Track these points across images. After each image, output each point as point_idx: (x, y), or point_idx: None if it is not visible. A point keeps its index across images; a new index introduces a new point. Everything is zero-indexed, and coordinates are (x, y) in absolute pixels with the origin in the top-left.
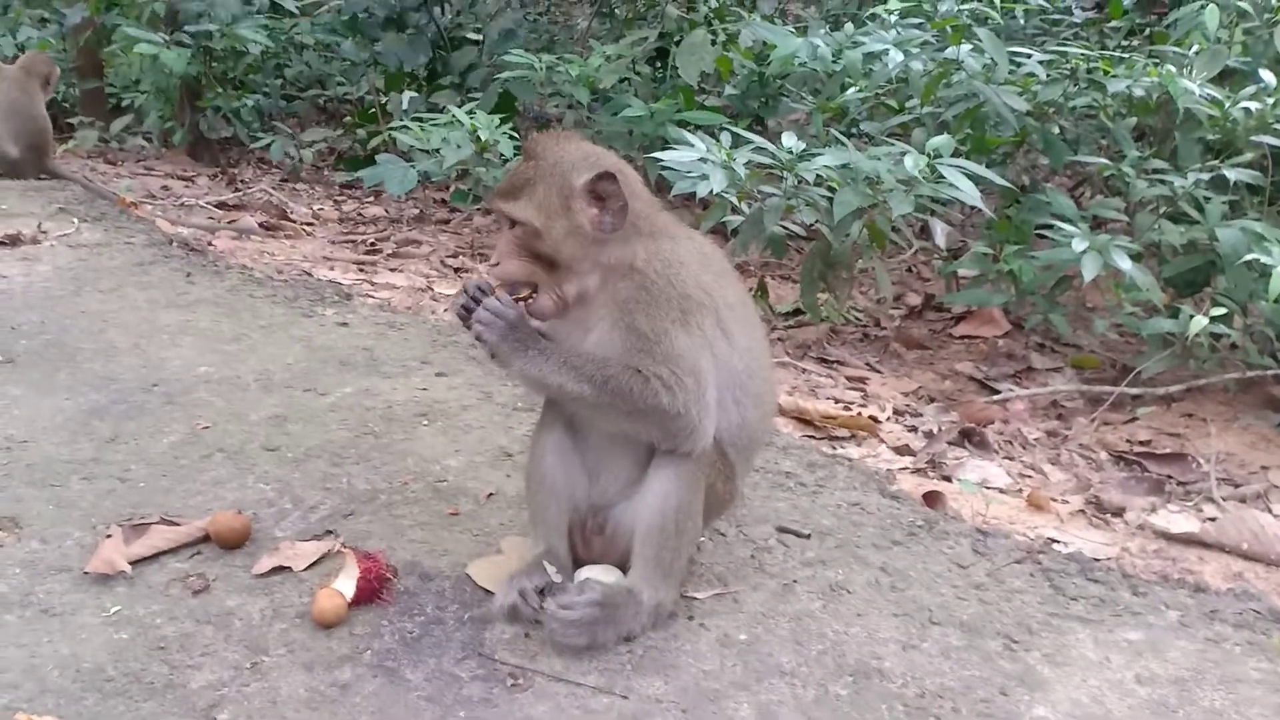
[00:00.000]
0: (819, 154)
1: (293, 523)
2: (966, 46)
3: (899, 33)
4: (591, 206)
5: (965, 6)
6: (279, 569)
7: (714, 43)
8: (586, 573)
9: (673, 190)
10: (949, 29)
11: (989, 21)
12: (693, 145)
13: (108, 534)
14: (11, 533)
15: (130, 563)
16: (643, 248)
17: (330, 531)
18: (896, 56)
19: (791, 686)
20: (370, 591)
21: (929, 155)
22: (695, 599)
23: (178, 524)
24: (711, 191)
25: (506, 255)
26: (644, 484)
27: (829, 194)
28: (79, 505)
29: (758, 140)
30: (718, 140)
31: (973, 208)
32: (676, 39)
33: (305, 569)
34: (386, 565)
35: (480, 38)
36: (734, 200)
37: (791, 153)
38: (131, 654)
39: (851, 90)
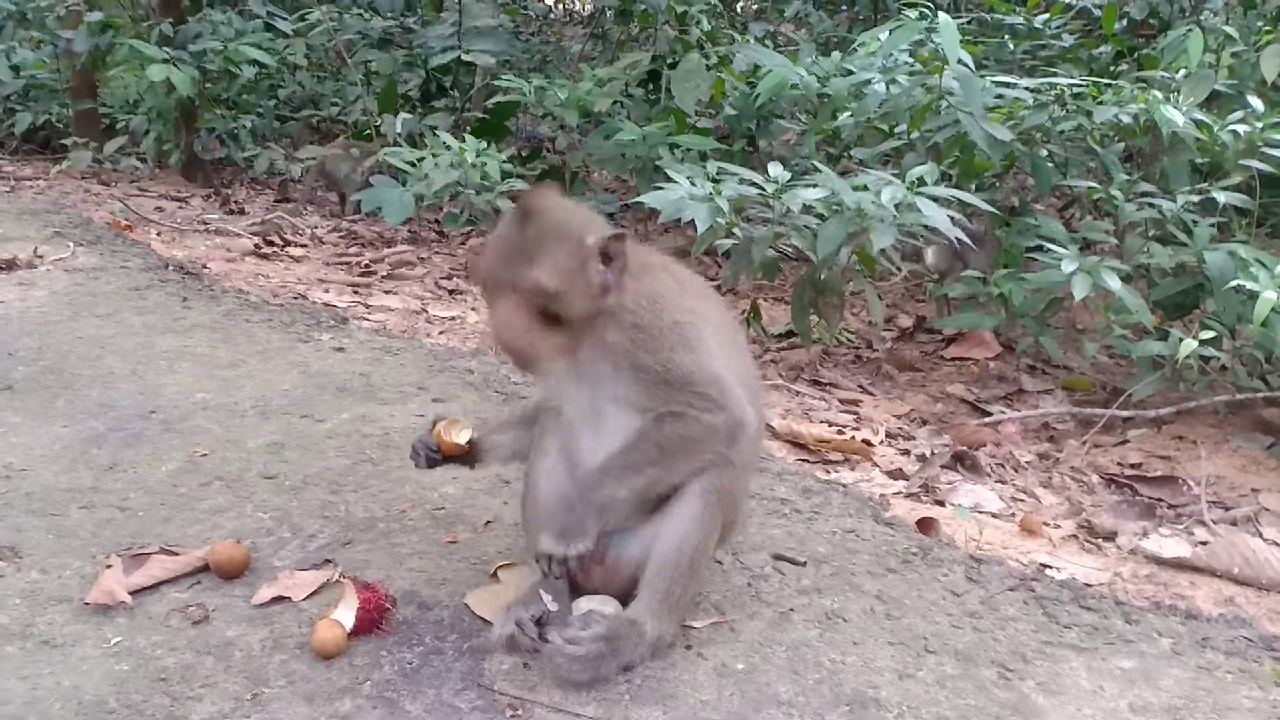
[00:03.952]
0: (806, 184)
1: (291, 552)
2: (951, 74)
3: (887, 59)
4: (601, 265)
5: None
6: (278, 599)
7: (708, 67)
8: (585, 604)
9: (661, 216)
10: (940, 52)
11: (980, 45)
12: (680, 179)
13: (107, 564)
14: (11, 562)
15: (130, 593)
16: (629, 288)
17: (329, 560)
18: (879, 87)
19: (789, 717)
20: (369, 622)
21: (912, 185)
22: (693, 628)
23: (177, 553)
24: (698, 229)
25: (508, 324)
26: (665, 517)
27: (818, 219)
28: (78, 534)
29: (743, 172)
30: (705, 168)
31: (968, 230)
32: (669, 62)
33: (304, 599)
34: (385, 595)
35: (472, 60)
36: (724, 225)
37: (777, 183)
38: (133, 685)
39: (844, 116)
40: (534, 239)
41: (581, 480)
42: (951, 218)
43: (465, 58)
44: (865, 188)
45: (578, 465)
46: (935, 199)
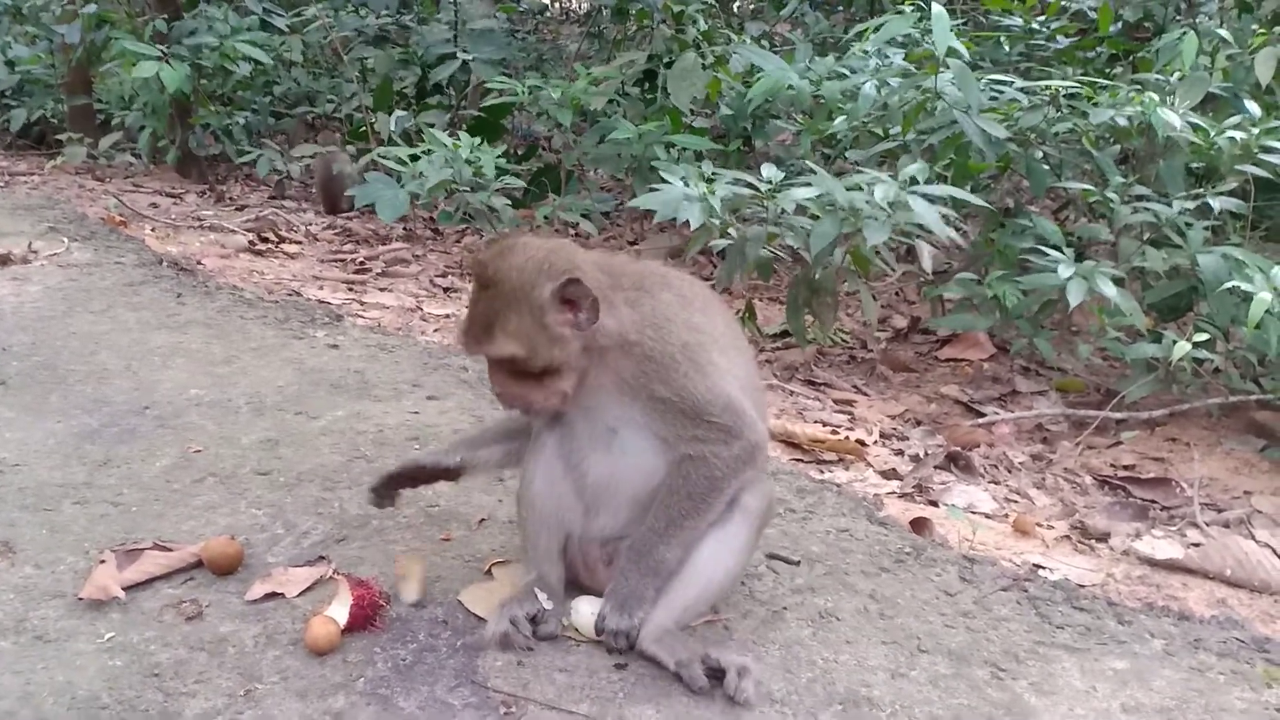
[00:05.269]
0: (799, 184)
1: (285, 548)
2: (947, 75)
3: (881, 60)
4: (564, 312)
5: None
6: (272, 595)
7: (704, 67)
8: (583, 604)
9: (657, 215)
10: (936, 55)
11: (976, 49)
12: (675, 179)
13: (101, 559)
14: (4, 558)
15: (123, 588)
16: (627, 317)
17: (323, 557)
18: (870, 91)
19: (782, 715)
20: (363, 618)
21: (904, 184)
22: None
23: (170, 549)
24: (691, 226)
25: (502, 385)
26: (712, 541)
27: (813, 219)
28: (72, 530)
29: (736, 174)
30: (700, 169)
31: (960, 230)
32: (666, 61)
33: (298, 595)
34: (379, 591)
35: (468, 57)
36: (718, 226)
37: (770, 183)
38: (126, 681)
39: (840, 120)
40: (490, 308)
41: (629, 548)
42: (945, 217)
43: (465, 60)
44: (859, 188)
45: (585, 474)
46: (929, 197)
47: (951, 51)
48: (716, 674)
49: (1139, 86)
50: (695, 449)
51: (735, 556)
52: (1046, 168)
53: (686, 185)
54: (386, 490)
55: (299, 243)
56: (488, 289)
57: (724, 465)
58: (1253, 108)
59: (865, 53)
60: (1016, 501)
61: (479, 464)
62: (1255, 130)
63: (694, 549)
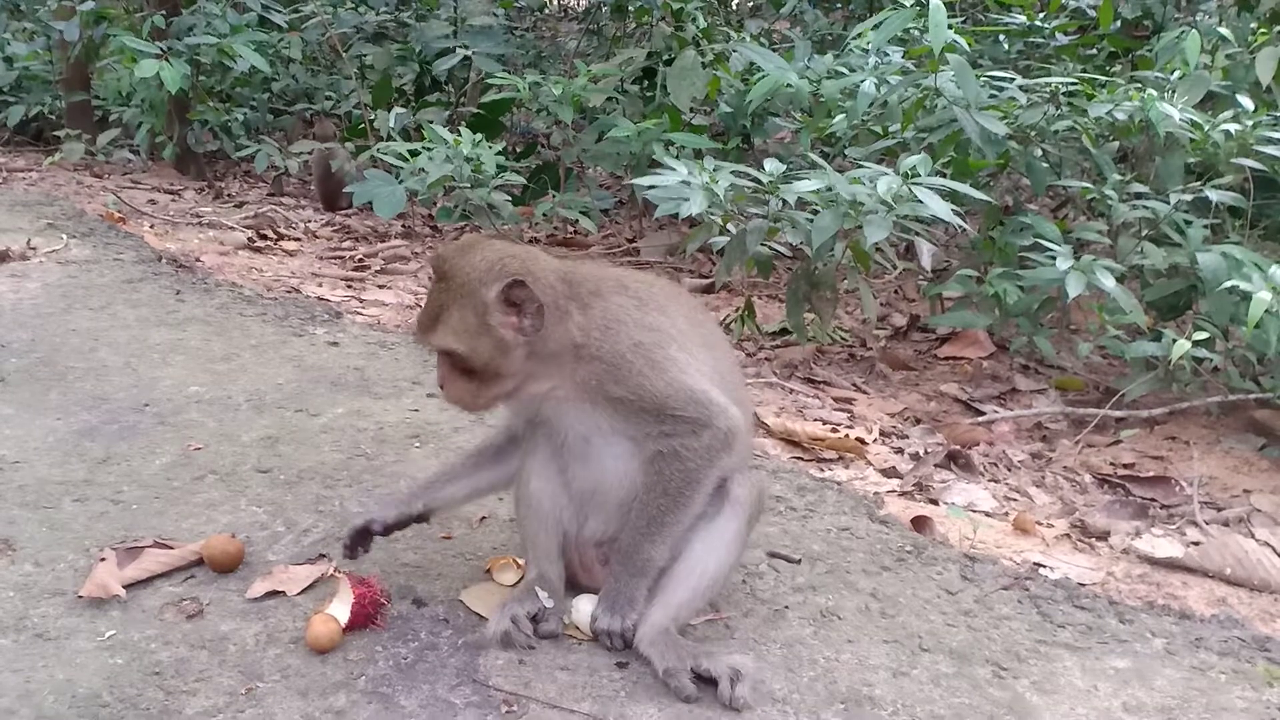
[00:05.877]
0: (802, 178)
1: (286, 546)
2: (946, 72)
3: (880, 58)
4: (509, 315)
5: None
6: (273, 593)
7: (704, 65)
8: (583, 602)
9: (657, 211)
10: (933, 51)
11: (976, 45)
12: (677, 166)
13: (101, 557)
14: (4, 555)
15: (124, 586)
16: (576, 325)
17: (323, 555)
18: (869, 90)
19: (784, 714)
20: (364, 617)
21: (906, 175)
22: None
23: (171, 547)
24: (694, 213)
25: (447, 379)
26: (702, 535)
27: (813, 215)
28: (72, 527)
29: (738, 167)
30: (701, 163)
31: (959, 228)
32: (665, 58)
33: (299, 593)
34: (380, 590)
35: (468, 53)
36: (719, 221)
37: (773, 176)
38: (127, 679)
39: (839, 118)
40: (440, 302)
41: (617, 550)
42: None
43: (466, 55)
44: (861, 182)
45: (571, 481)
46: (930, 190)
47: (950, 46)
48: (709, 682)
49: (1138, 85)
50: (664, 444)
51: (728, 549)
52: (1046, 166)
53: (689, 175)
54: (359, 541)
55: (298, 240)
56: (441, 282)
57: (696, 456)
58: (1246, 102)
59: (864, 50)
60: (1016, 500)
61: (444, 503)
62: (1250, 123)
63: (685, 544)
